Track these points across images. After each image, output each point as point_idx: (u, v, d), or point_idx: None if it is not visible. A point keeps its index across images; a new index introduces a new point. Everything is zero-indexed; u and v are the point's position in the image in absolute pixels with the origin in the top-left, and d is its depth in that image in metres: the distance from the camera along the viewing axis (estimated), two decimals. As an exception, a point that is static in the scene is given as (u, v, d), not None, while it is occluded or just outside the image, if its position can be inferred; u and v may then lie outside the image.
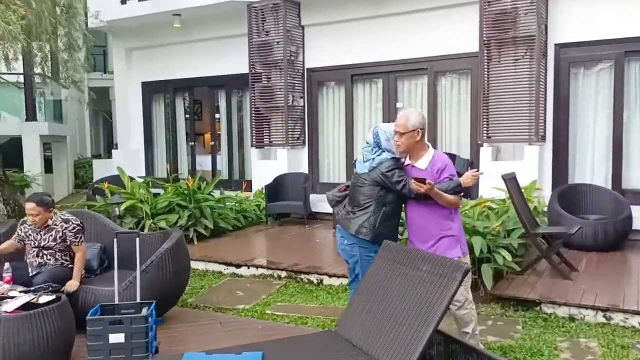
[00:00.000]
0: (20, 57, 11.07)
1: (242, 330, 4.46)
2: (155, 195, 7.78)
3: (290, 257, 6.50)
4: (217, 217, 7.75)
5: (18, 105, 15.06)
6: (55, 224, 4.52)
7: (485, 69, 8.07)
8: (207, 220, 7.49)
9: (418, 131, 3.48)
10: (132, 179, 8.18)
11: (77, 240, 4.54)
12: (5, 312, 3.56)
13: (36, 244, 4.52)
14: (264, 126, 10.12)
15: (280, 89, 9.82)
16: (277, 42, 9.77)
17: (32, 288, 3.99)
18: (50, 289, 3.98)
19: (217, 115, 11.48)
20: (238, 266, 6.38)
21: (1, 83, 13.79)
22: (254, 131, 10.15)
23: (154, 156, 12.26)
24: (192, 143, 11.77)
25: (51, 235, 4.51)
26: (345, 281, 5.55)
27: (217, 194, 8.68)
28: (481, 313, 4.81)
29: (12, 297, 3.74)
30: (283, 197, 8.99)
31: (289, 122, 9.87)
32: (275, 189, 8.98)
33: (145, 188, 7.84)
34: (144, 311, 3.85)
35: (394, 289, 3.03)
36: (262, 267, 6.26)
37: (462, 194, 3.59)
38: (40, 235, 4.52)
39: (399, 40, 9.16)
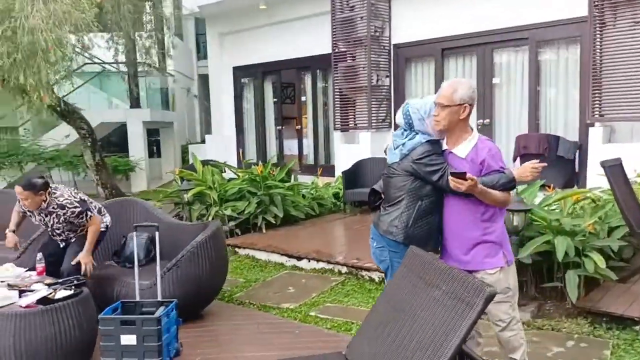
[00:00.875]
0: (120, 47, 11.53)
1: (276, 335, 4.05)
2: (231, 181, 7.61)
3: (356, 250, 5.97)
4: (289, 205, 7.41)
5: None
6: (54, 208, 4.15)
7: (597, 35, 6.86)
8: (277, 208, 7.17)
9: (465, 107, 2.76)
10: (207, 164, 8.09)
11: (85, 219, 4.22)
12: (20, 306, 3.45)
13: (45, 225, 4.33)
14: (348, 108, 9.61)
15: (363, 68, 9.22)
16: (361, 18, 9.16)
17: (60, 280, 3.88)
18: (76, 282, 3.83)
19: (303, 98, 11.15)
20: (299, 258, 5.99)
21: (112, 72, 14.61)
22: (337, 113, 9.68)
23: (245, 141, 12.25)
24: (280, 127, 11.57)
25: (54, 218, 4.21)
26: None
27: (307, 180, 8.32)
28: (562, 330, 3.97)
29: (31, 291, 3.63)
30: (362, 184, 8.42)
31: (374, 103, 9.26)
32: (355, 175, 8.44)
33: (219, 174, 7.70)
34: (159, 312, 3.56)
35: (410, 310, 2.42)
36: (322, 260, 5.81)
37: (514, 189, 2.85)
38: (43, 217, 4.25)
39: (495, 6, 8.12)
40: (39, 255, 4.11)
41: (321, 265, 5.81)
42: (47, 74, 6.18)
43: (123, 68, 13.47)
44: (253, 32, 11.46)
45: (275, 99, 11.70)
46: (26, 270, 4.06)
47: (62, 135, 12.50)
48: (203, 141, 18.41)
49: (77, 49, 7.93)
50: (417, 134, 2.94)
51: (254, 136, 12.11)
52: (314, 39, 10.21)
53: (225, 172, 8.51)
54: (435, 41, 8.96)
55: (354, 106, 9.53)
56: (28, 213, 4.35)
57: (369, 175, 8.50)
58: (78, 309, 3.59)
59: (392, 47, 9.43)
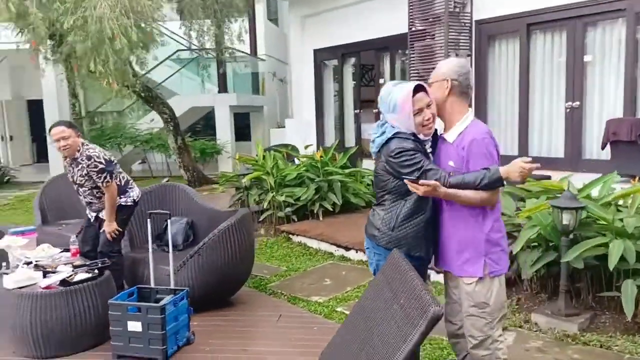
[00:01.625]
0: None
1: (294, 329, 3.91)
2: (291, 167, 7.55)
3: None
4: (349, 192, 7.19)
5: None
6: (82, 159, 4.15)
7: None
8: (335, 195, 6.98)
9: (448, 81, 2.49)
10: (273, 149, 8.07)
11: (102, 180, 4.16)
12: (40, 287, 3.60)
13: (73, 181, 4.32)
14: (423, 91, 9.11)
15: (441, 47, 8.66)
16: (439, -7, 8.59)
17: (87, 262, 4.00)
18: (101, 264, 3.94)
19: (381, 81, 10.76)
20: (347, 249, 5.78)
21: (208, 58, 15.09)
22: (412, 97, 9.23)
23: (324, 125, 12.14)
24: (358, 111, 11.29)
25: (79, 170, 4.19)
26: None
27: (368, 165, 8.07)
28: (613, 348, 3.43)
29: (55, 272, 3.78)
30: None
31: (452, 85, 8.69)
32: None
33: (283, 159, 7.65)
34: (164, 300, 3.55)
35: (374, 321, 2.16)
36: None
37: (502, 187, 2.44)
38: (72, 169, 4.25)
39: (587, -25, 7.23)
40: (73, 237, 4.28)
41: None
42: (114, 62, 6.46)
43: (213, 54, 13.86)
44: (334, 13, 11.23)
45: (354, 82, 11.43)
46: (61, 252, 4.24)
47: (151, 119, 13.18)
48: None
49: (156, 36, 8.23)
50: (384, 126, 2.63)
51: (332, 120, 11.96)
52: (392, 18, 9.78)
53: (287, 157, 8.41)
54: (520, 16, 8.18)
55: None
56: (68, 169, 4.36)
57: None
58: (94, 291, 3.69)
59: (473, 23, 8.76)
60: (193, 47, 12.62)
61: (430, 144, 2.66)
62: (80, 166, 4.19)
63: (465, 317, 2.54)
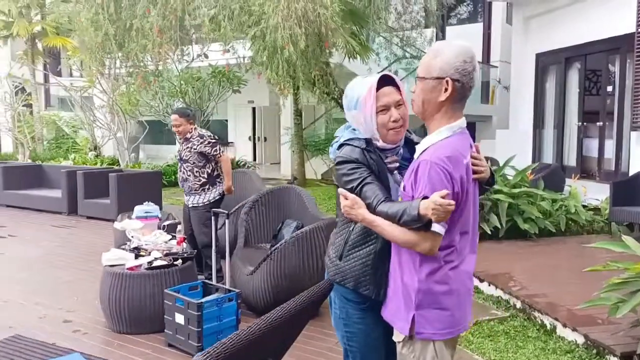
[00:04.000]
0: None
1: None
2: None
3: (552, 284, 4.63)
4: (518, 215, 6.21)
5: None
6: (193, 138, 4.95)
7: None
8: (498, 217, 6.10)
9: (448, 82, 1.80)
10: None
11: (216, 152, 4.95)
12: (125, 268, 4.00)
13: (180, 157, 5.07)
14: (652, 100, 7.33)
15: (678, 46, 6.85)
16: (680, -21, 6.81)
17: (176, 251, 4.29)
18: (186, 255, 4.19)
19: (609, 89, 9.02)
20: (481, 280, 5.00)
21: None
22: (636, 107, 7.51)
23: (542, 139, 10.74)
24: (581, 123, 9.68)
25: (188, 147, 4.94)
26: (581, 339, 3.63)
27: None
28: None
29: (143, 256, 4.14)
30: (643, 200, 6.37)
31: (691, 93, 6.80)
32: (632, 187, 6.44)
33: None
34: (207, 299, 3.57)
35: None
36: (498, 286, 4.71)
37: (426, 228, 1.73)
38: (182, 146, 5.03)
39: None
40: (179, 227, 4.66)
41: (499, 292, 4.72)
42: (283, 69, 6.82)
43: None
44: (558, 13, 9.86)
45: (578, 90, 9.84)
46: (171, 239, 4.64)
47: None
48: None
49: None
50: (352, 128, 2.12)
51: (551, 132, 10.50)
52: (622, 15, 8.12)
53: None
54: None
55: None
56: (179, 148, 5.16)
57: (657, 190, 6.36)
58: (172, 278, 3.93)
59: None
60: (407, 55, 12.47)
61: (403, 155, 2.11)
62: (190, 144, 4.96)
63: None
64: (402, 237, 1.79)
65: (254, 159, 19.97)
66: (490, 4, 14.83)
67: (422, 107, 1.89)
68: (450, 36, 13.26)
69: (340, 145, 2.11)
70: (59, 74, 19.47)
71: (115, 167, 11.46)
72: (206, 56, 12.13)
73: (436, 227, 1.73)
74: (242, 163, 15.31)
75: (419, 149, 1.90)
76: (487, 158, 8.51)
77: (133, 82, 10.04)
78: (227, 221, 4.31)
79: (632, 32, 7.76)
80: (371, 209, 1.90)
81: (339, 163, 2.05)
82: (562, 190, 7.68)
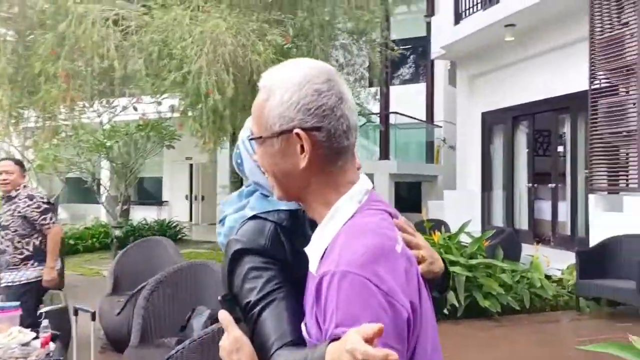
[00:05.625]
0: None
1: None
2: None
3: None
4: (477, 290, 5.39)
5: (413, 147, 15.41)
6: (20, 197, 3.94)
7: None
8: (455, 293, 5.26)
9: (300, 136, 0.97)
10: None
11: (45, 221, 3.93)
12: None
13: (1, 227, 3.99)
14: (609, 161, 6.87)
15: (634, 104, 6.45)
16: (632, 35, 6.49)
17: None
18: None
19: (559, 149, 8.61)
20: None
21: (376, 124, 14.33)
22: (593, 168, 7.03)
23: (492, 200, 10.20)
24: (531, 185, 9.19)
25: (11, 210, 3.91)
26: None
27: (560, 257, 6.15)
28: None
29: None
30: (611, 273, 5.70)
31: (651, 154, 6.36)
32: (599, 258, 5.79)
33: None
34: None
35: None
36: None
37: None
38: (6, 207, 3.97)
39: None
40: (45, 322, 3.50)
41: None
42: (208, 119, 5.93)
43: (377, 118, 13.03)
44: (503, 72, 9.56)
45: (527, 150, 9.43)
46: (34, 338, 3.48)
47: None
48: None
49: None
50: (255, 191, 1.21)
51: (500, 194, 9.98)
52: (574, 72, 7.78)
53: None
54: None
55: (617, 158, 6.76)
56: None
57: (625, 260, 5.72)
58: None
59: (686, 72, 6.39)
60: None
61: None
62: (14, 205, 3.95)
63: None
64: None
65: (190, 220, 18.77)
66: (432, 62, 14.66)
67: (280, 185, 1.04)
68: (394, 96, 12.83)
69: (243, 223, 1.17)
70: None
71: None
72: (135, 108, 11.20)
73: None
74: (174, 224, 14.08)
75: (312, 254, 1.00)
76: (437, 221, 7.70)
77: (39, 135, 8.84)
78: (92, 323, 3.22)
79: (582, 91, 7.39)
80: (265, 354, 0.98)
81: (233, 255, 1.10)
82: (519, 259, 6.98)
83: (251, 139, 1.06)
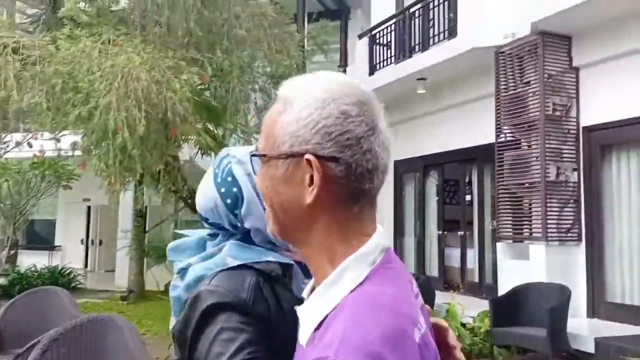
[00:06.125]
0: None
1: None
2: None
3: None
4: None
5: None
6: None
7: None
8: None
9: (310, 163, 0.78)
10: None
11: None
12: None
13: None
14: (515, 211, 7.19)
15: (537, 158, 6.84)
16: (534, 94, 6.94)
17: None
18: None
19: (467, 198, 8.95)
20: None
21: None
22: (500, 218, 7.32)
23: (404, 247, 10.35)
24: (441, 232, 9.43)
25: None
26: None
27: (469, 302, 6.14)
28: None
29: None
30: (522, 320, 5.84)
31: (553, 205, 6.72)
32: (511, 306, 5.93)
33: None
34: None
35: None
36: None
37: None
38: None
39: None
40: None
41: None
42: (114, 158, 5.52)
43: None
44: (416, 122, 9.91)
45: (437, 198, 9.72)
46: None
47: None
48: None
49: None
50: (231, 237, 1.00)
51: (412, 241, 10.17)
52: (482, 126, 8.19)
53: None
54: (643, 120, 6.23)
55: (521, 208, 7.09)
56: None
57: (535, 308, 5.90)
58: None
59: (580, 130, 6.90)
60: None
61: None
62: None
63: None
64: None
65: (85, 266, 17.47)
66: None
67: (276, 218, 0.85)
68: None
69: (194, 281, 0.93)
70: None
71: None
72: (30, 145, 10.35)
73: None
74: (67, 271, 12.98)
75: (304, 321, 0.80)
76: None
77: None
78: None
79: (489, 143, 7.77)
80: None
81: (205, 310, 0.87)
82: (433, 306, 7.01)
83: (253, 155, 0.84)
